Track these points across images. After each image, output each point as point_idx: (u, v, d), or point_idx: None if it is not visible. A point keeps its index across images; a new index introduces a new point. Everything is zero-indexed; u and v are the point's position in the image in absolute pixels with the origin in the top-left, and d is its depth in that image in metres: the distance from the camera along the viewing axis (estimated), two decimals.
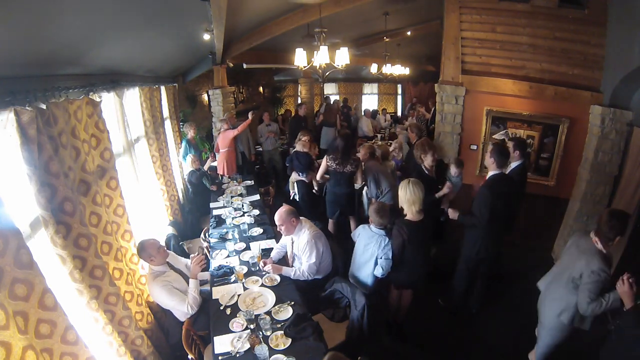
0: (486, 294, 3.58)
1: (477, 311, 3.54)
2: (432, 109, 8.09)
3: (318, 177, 4.33)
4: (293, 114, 8.59)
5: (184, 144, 5.42)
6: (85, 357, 1.81)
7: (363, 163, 4.29)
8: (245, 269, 3.00)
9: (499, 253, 3.32)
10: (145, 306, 2.79)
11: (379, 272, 2.82)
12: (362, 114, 9.26)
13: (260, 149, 7.18)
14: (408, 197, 2.72)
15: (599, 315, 2.23)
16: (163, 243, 3.48)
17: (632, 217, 3.47)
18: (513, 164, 3.62)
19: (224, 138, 5.44)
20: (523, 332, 3.12)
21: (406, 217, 2.80)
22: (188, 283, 2.82)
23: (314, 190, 4.79)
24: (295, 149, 4.92)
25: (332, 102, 9.33)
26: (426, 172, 3.75)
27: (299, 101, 11.35)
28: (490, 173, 3.10)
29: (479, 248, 3.19)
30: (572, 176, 4.17)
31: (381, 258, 2.80)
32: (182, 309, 2.67)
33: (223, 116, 6.18)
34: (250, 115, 5.47)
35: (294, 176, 4.90)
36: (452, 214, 3.21)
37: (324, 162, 4.14)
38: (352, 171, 4.06)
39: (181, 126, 5.69)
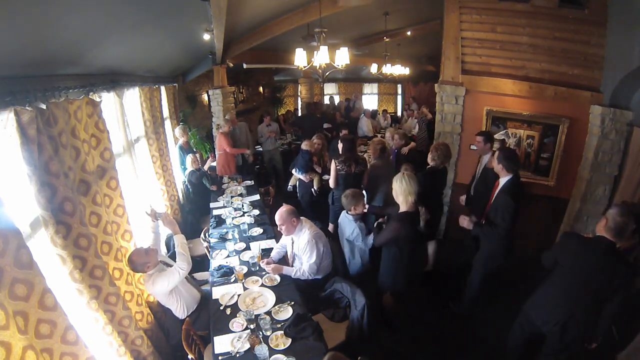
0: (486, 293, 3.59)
1: (477, 311, 3.55)
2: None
3: (332, 185, 4.16)
4: (304, 112, 8.65)
5: (177, 151, 5.19)
6: (85, 357, 1.82)
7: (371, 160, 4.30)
8: (245, 269, 3.00)
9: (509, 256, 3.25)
10: (145, 306, 2.79)
11: (358, 241, 3.19)
12: (363, 114, 9.28)
13: (261, 149, 7.18)
14: (405, 188, 2.72)
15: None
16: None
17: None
18: (485, 157, 3.71)
19: (219, 141, 5.49)
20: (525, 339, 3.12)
21: (401, 210, 2.80)
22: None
23: (312, 190, 4.77)
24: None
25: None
26: None
27: (299, 101, 11.38)
28: (505, 178, 3.01)
29: (496, 256, 3.13)
30: (572, 176, 4.16)
31: (355, 238, 3.16)
32: (176, 278, 2.63)
33: (224, 116, 6.19)
34: (247, 151, 5.86)
35: (295, 174, 4.92)
36: (468, 224, 3.03)
37: (333, 168, 4.03)
38: (362, 170, 4.04)
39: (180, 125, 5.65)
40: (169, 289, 2.66)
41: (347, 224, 3.25)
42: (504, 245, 3.05)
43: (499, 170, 3.01)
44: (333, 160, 4.10)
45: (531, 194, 4.43)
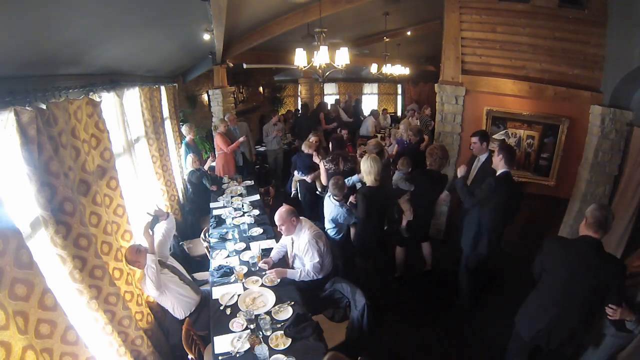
0: (486, 292, 3.60)
1: (477, 310, 3.56)
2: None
3: (323, 182, 4.31)
4: (301, 112, 8.67)
5: (183, 147, 5.32)
6: (85, 357, 1.81)
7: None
8: (245, 269, 3.00)
9: (495, 252, 3.34)
10: (145, 306, 2.79)
11: (342, 219, 3.59)
12: (369, 114, 9.31)
13: (261, 149, 7.17)
14: (366, 169, 3.35)
15: None
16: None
17: (632, 218, 3.47)
18: (482, 156, 3.69)
19: (216, 141, 5.53)
20: None
21: (366, 185, 3.42)
22: (180, 278, 2.83)
23: (317, 192, 4.77)
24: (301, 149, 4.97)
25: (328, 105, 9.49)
26: None
27: (299, 101, 11.38)
28: (500, 171, 3.09)
29: (477, 244, 3.25)
30: (572, 176, 4.16)
31: (340, 218, 3.57)
32: (149, 294, 2.65)
33: (223, 116, 6.19)
34: (242, 139, 5.65)
35: (297, 175, 4.92)
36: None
37: (323, 167, 4.17)
38: (351, 167, 4.07)
39: (181, 127, 5.66)
40: (154, 296, 2.68)
41: (334, 208, 3.55)
42: (482, 234, 3.20)
43: (497, 161, 3.09)
44: (322, 160, 4.15)
45: (531, 194, 4.43)
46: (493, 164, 3.17)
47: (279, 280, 2.87)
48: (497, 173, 3.10)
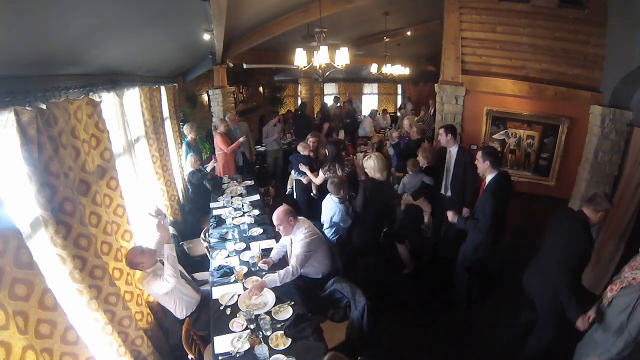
0: (485, 292, 3.60)
1: (477, 310, 3.56)
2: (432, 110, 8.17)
3: (317, 182, 4.34)
4: (300, 112, 8.68)
5: (184, 147, 5.34)
6: (85, 357, 1.81)
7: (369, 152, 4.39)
8: (245, 269, 3.00)
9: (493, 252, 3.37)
10: (145, 306, 2.79)
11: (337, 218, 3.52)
12: (367, 114, 9.33)
13: (261, 149, 7.16)
14: (375, 165, 3.40)
15: None
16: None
17: (632, 218, 3.48)
18: (452, 149, 3.82)
19: (216, 141, 5.56)
20: (521, 330, 3.12)
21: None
22: (181, 277, 2.82)
23: (312, 194, 4.75)
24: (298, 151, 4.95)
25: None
26: None
27: (299, 101, 11.38)
28: (490, 176, 3.08)
29: (481, 248, 3.23)
30: (572, 176, 4.17)
31: (335, 216, 3.50)
32: (164, 288, 2.61)
33: (223, 116, 6.19)
34: (242, 139, 5.66)
35: (293, 175, 4.92)
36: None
37: (321, 174, 4.18)
38: (350, 171, 4.07)
39: (181, 127, 5.66)
40: (161, 294, 2.67)
41: (333, 205, 3.49)
42: (487, 239, 3.17)
43: (485, 167, 3.07)
44: (321, 169, 4.20)
45: (531, 194, 4.43)
46: (479, 169, 3.15)
47: (262, 293, 2.71)
48: (487, 179, 3.10)
